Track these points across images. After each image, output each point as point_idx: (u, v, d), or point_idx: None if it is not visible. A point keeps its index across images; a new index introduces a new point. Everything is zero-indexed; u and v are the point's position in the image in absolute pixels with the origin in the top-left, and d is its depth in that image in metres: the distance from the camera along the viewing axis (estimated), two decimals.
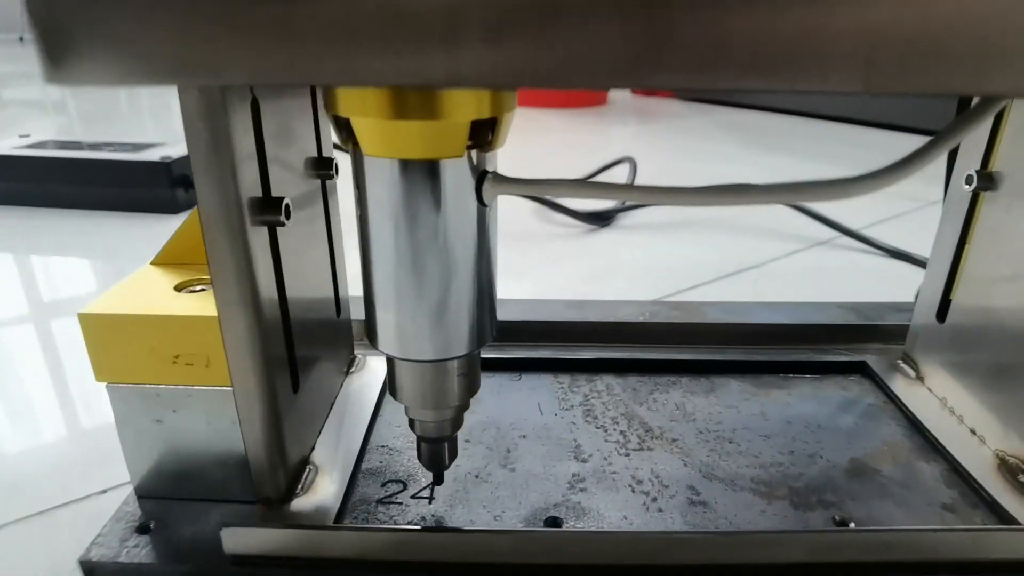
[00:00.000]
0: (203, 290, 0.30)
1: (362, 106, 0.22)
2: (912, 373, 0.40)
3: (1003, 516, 0.30)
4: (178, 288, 0.30)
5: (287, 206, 0.27)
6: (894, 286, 0.59)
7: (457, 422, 0.29)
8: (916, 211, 0.79)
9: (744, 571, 0.27)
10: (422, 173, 0.23)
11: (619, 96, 1.76)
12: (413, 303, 0.25)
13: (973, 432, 0.35)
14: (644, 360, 0.41)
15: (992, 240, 0.35)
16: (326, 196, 0.35)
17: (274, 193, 0.27)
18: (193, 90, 0.23)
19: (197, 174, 0.24)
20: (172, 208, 0.76)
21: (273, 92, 0.27)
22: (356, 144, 0.23)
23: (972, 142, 0.36)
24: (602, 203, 0.76)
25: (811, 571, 0.27)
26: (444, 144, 0.22)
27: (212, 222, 0.25)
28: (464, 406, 0.28)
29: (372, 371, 0.39)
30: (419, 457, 0.30)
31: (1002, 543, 0.27)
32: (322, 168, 0.34)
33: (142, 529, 0.29)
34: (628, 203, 0.79)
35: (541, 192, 0.25)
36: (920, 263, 0.63)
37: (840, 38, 0.16)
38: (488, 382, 0.39)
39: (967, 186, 0.35)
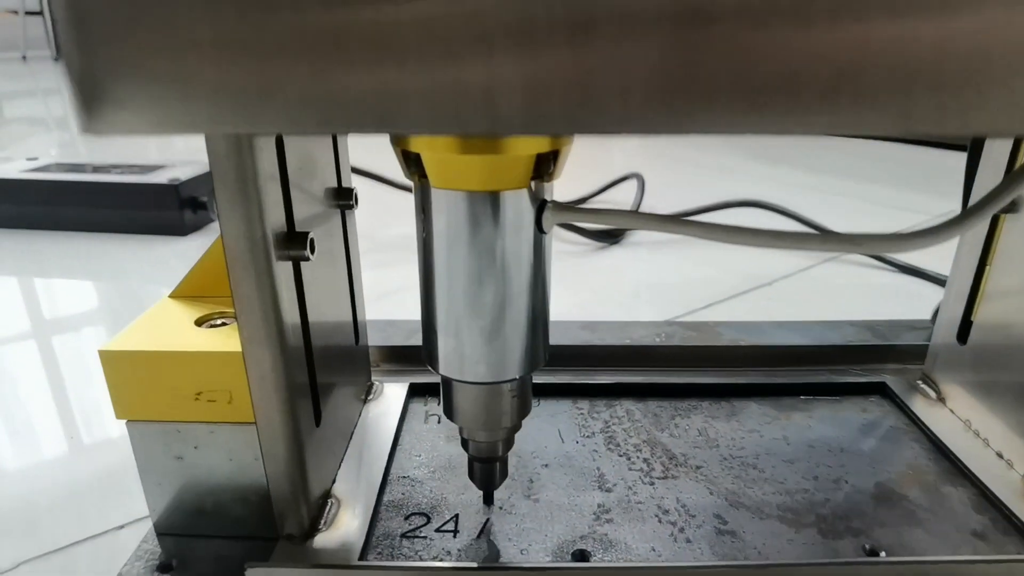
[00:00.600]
0: (224, 324, 0.30)
1: (432, 142, 0.23)
2: (933, 394, 0.40)
3: None
4: (199, 322, 0.30)
5: (311, 240, 0.27)
6: (907, 302, 0.59)
7: (509, 443, 0.30)
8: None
9: None
10: (488, 204, 0.24)
11: None
12: (473, 328, 0.26)
13: (1000, 456, 0.35)
14: (663, 384, 0.41)
15: (1014, 261, 0.35)
16: (345, 225, 0.35)
17: (298, 227, 0.27)
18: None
19: (223, 211, 0.24)
20: (179, 230, 0.76)
21: None
22: (423, 176, 0.24)
23: (991, 165, 0.36)
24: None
25: None
26: (510, 177, 0.24)
27: (237, 258, 0.25)
28: (516, 427, 0.29)
29: (390, 398, 0.39)
30: (471, 476, 0.31)
31: None
32: (342, 198, 0.34)
33: (164, 567, 0.29)
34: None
35: (599, 221, 0.26)
36: (932, 278, 0.63)
37: (879, 78, 0.15)
38: None
39: None
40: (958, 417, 0.38)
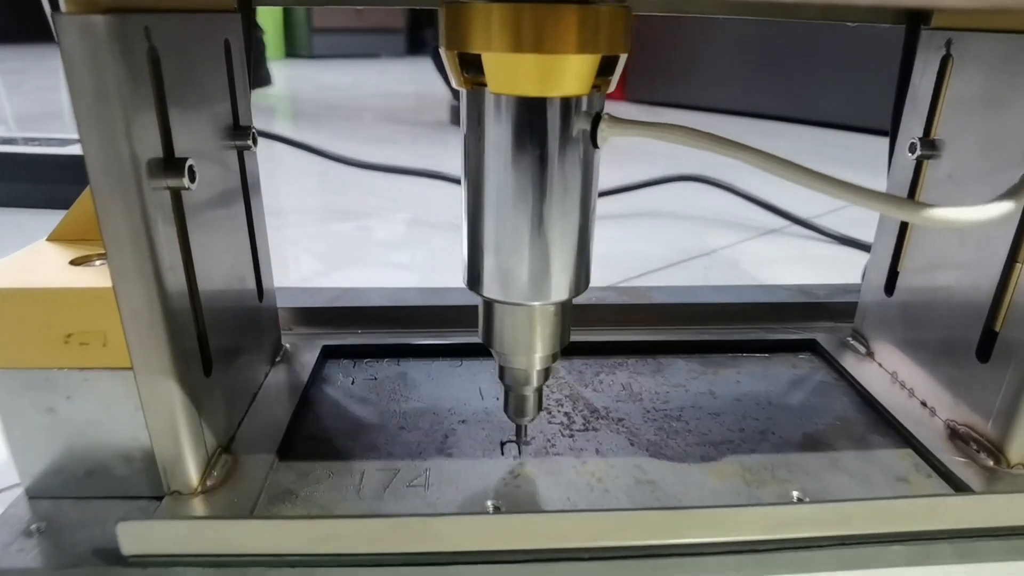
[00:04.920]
0: (103, 264, 0.27)
1: (493, 42, 0.22)
2: (862, 349, 0.40)
3: (957, 484, 0.29)
4: (74, 263, 0.27)
5: (191, 168, 0.25)
6: (844, 271, 0.59)
7: (546, 373, 0.29)
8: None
9: (697, 550, 0.26)
10: (545, 111, 0.23)
11: None
12: (521, 244, 0.25)
13: (924, 404, 0.34)
14: (589, 343, 0.39)
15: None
16: (244, 169, 0.32)
17: (177, 154, 0.25)
18: (73, 27, 0.21)
19: (81, 126, 0.22)
20: None
21: (175, 44, 0.25)
22: (477, 84, 0.23)
23: (914, 109, 0.35)
24: None
25: (767, 548, 0.26)
26: (574, 80, 0.22)
27: (102, 182, 0.23)
28: (555, 356, 0.28)
29: (300, 361, 0.37)
30: (505, 409, 0.30)
31: (958, 509, 0.26)
32: (239, 138, 0.31)
33: (31, 532, 0.26)
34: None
35: (655, 135, 0.24)
36: (869, 249, 0.63)
37: None
38: (426, 368, 0.37)
39: (910, 154, 0.35)
40: (885, 370, 0.38)
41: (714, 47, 1.54)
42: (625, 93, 1.70)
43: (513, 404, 0.29)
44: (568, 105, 0.23)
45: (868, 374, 0.37)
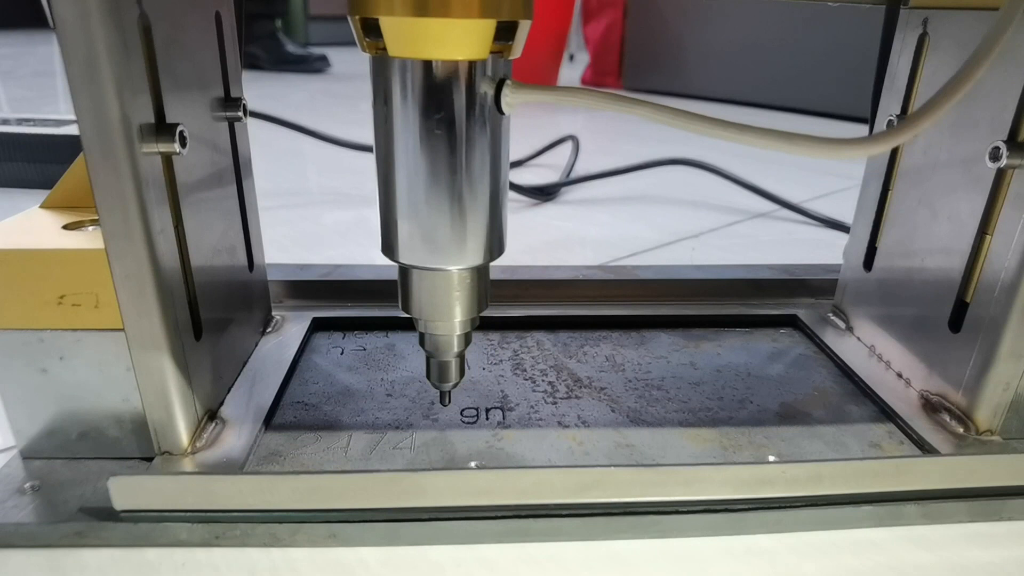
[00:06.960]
0: (95, 229, 0.28)
1: (391, 5, 0.22)
2: (842, 324, 0.40)
3: (927, 450, 0.30)
4: (67, 228, 0.28)
5: (182, 133, 0.25)
6: (829, 253, 0.60)
7: (467, 338, 0.29)
8: (852, 189, 0.80)
9: (673, 508, 0.27)
10: (447, 74, 0.23)
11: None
12: (432, 211, 0.25)
13: (899, 376, 0.35)
14: (575, 316, 0.40)
15: (912, 184, 0.35)
16: (235, 141, 0.33)
17: (169, 120, 0.26)
18: None
19: (74, 90, 0.23)
20: None
21: (166, 12, 0.26)
22: (380, 49, 0.23)
23: (893, 88, 0.36)
24: (548, 177, 0.75)
25: (740, 507, 0.27)
26: (471, 44, 0.23)
27: (94, 145, 0.23)
28: (475, 320, 0.28)
29: (290, 331, 0.37)
30: (427, 375, 0.29)
31: (924, 470, 0.27)
32: (230, 109, 0.32)
33: (25, 490, 0.27)
34: (577, 178, 0.78)
35: (558, 99, 0.25)
36: None
37: None
38: (414, 340, 0.38)
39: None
40: (863, 344, 0.38)
41: (710, 36, 1.54)
42: (622, 82, 1.70)
43: (436, 371, 0.29)
44: (471, 70, 0.23)
45: (847, 348, 0.38)
